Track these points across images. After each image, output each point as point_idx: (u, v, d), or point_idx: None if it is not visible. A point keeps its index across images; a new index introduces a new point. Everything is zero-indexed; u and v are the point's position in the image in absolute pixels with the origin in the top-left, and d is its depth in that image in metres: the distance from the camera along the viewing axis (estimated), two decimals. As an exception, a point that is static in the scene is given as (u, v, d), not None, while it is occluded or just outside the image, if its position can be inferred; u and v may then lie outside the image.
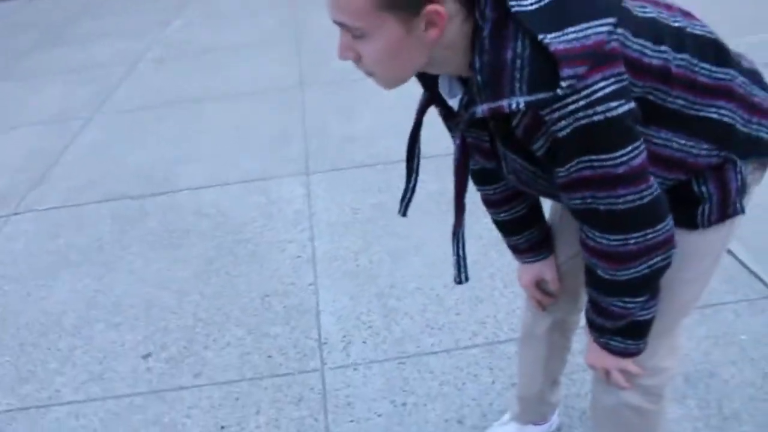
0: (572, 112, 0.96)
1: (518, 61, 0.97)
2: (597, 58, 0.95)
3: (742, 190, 1.17)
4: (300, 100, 4.42)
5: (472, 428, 1.88)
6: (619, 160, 1.01)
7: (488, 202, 1.45)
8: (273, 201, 3.20)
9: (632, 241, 1.08)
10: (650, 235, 1.08)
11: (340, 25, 1.00)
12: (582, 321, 1.40)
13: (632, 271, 1.12)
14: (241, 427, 1.96)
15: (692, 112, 1.08)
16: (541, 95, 0.96)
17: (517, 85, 0.97)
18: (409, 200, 1.38)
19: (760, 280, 2.39)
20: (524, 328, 1.67)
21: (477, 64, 1.00)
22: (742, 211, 1.19)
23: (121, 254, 2.92)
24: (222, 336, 2.35)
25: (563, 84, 0.94)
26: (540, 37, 0.95)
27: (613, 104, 0.97)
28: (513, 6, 0.98)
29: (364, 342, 2.25)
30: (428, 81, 1.20)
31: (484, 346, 2.18)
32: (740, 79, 1.13)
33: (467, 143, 1.18)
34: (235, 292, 2.57)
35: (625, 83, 0.98)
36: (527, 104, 0.97)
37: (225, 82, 4.93)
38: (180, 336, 2.37)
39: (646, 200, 1.05)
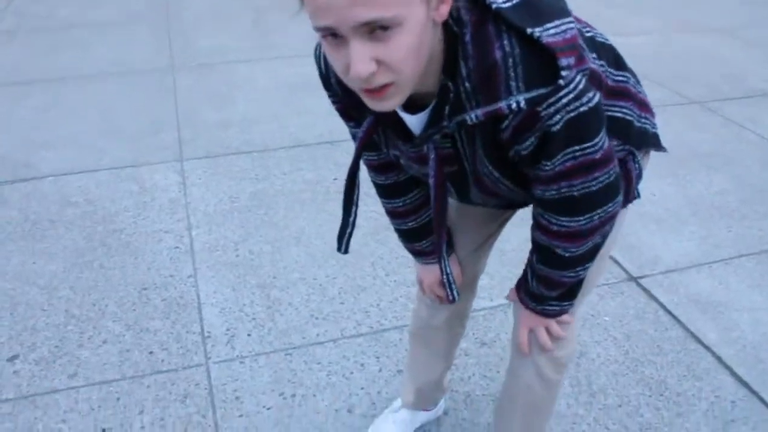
0: (565, 105, 0.97)
1: (510, 60, 0.94)
2: (577, 50, 0.97)
3: (639, 176, 1.29)
4: (171, 83, 4.23)
5: (362, 416, 1.90)
6: (598, 146, 1.05)
7: (395, 214, 1.44)
8: (146, 189, 3.06)
9: (596, 218, 1.14)
10: (610, 208, 1.14)
11: (366, 24, 0.84)
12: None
13: (590, 243, 1.18)
14: (125, 429, 1.87)
15: (605, 112, 1.16)
16: (541, 90, 0.95)
17: (513, 83, 0.95)
18: (350, 235, 1.34)
19: (618, 264, 2.56)
20: (419, 321, 1.68)
21: (463, 71, 0.97)
22: (638, 196, 1.31)
23: (-22, 247, 2.69)
24: (98, 333, 2.23)
25: (563, 74, 0.94)
26: (529, 31, 0.94)
27: (590, 94, 1.00)
28: (492, 3, 0.96)
29: (249, 334, 2.21)
30: (361, 106, 1.14)
31: (369, 334, 2.20)
32: (632, 79, 1.24)
33: (440, 156, 1.15)
34: (110, 286, 2.44)
35: (587, 77, 1.01)
36: (528, 101, 0.96)
37: (89, 62, 4.64)
38: (51, 335, 2.22)
39: (612, 177, 1.11)
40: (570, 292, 1.30)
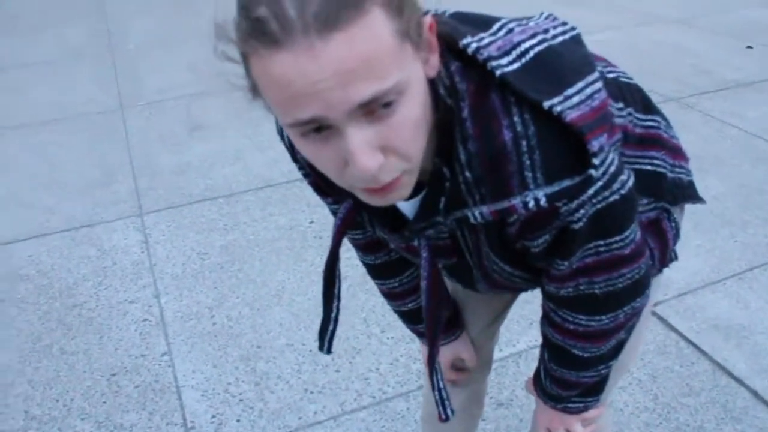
0: (591, 197, 0.75)
1: (523, 143, 0.72)
2: (607, 122, 0.74)
3: (676, 237, 1.07)
4: (121, 126, 3.92)
5: None
6: (628, 240, 0.84)
7: (392, 295, 1.21)
8: (105, 252, 2.76)
9: (622, 315, 0.93)
10: (638, 303, 0.94)
11: (366, 105, 0.63)
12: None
13: (613, 341, 0.97)
14: None
15: (631, 167, 0.94)
16: (567, 182, 0.73)
17: (530, 174, 0.73)
18: (333, 333, 1.10)
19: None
20: (430, 406, 1.45)
21: (462, 157, 0.74)
22: (676, 257, 1.09)
23: None
24: (64, 436, 1.94)
25: (596, 161, 0.72)
26: (547, 104, 0.71)
27: (624, 177, 0.78)
28: (495, 68, 0.72)
29: (238, 420, 1.94)
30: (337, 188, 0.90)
31: (372, 406, 1.96)
32: (663, 123, 1.02)
33: (434, 248, 0.93)
34: (75, 375, 2.15)
35: (618, 150, 0.79)
36: (549, 198, 0.73)
37: (27, 108, 4.29)
38: (10, 443, 1.93)
39: (642, 272, 0.90)
40: (593, 389, 1.08)
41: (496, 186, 0.75)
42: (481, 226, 0.85)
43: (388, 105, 0.64)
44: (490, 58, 0.73)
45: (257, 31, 0.60)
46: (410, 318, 1.24)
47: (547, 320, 1.00)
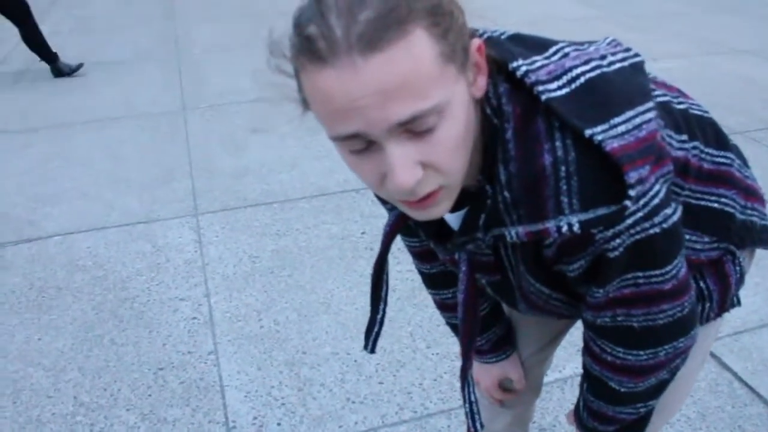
0: (629, 227, 0.75)
1: (562, 168, 0.73)
2: (653, 154, 0.73)
3: (740, 281, 1.03)
4: (182, 127, 4.03)
5: None
6: (669, 275, 0.82)
7: (445, 307, 1.21)
8: (159, 249, 2.83)
9: (662, 353, 0.91)
10: (681, 343, 0.91)
11: (405, 123, 0.65)
12: None
13: (653, 380, 0.95)
14: None
15: (696, 202, 0.92)
16: (602, 211, 0.73)
17: (565, 199, 0.73)
18: (378, 334, 1.11)
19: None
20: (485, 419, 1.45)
21: (502, 176, 0.75)
22: (739, 303, 1.06)
23: (-21, 321, 2.47)
24: (110, 425, 1.99)
25: (632, 193, 0.71)
26: (588, 132, 0.71)
27: (669, 211, 0.77)
28: (541, 92, 0.73)
29: (279, 424, 1.96)
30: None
31: (413, 420, 1.95)
32: (737, 161, 0.99)
33: (476, 264, 0.94)
34: (123, 366, 2.21)
35: (670, 182, 0.78)
36: (583, 224, 0.74)
37: (96, 105, 4.45)
38: (58, 428, 1.98)
39: (686, 311, 0.88)
40: (634, 427, 1.05)
41: (532, 208, 0.76)
42: (519, 245, 0.85)
43: (428, 123, 0.66)
44: (538, 82, 0.74)
45: (307, 48, 0.64)
46: None
47: (586, 349, 0.99)
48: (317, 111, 0.68)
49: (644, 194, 0.74)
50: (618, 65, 0.79)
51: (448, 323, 1.26)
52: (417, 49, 0.63)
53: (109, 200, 3.24)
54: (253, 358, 2.21)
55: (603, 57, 0.79)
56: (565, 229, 0.74)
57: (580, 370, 2.10)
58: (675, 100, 0.94)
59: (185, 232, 2.93)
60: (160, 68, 5.12)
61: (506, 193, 0.76)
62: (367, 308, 2.39)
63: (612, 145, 0.71)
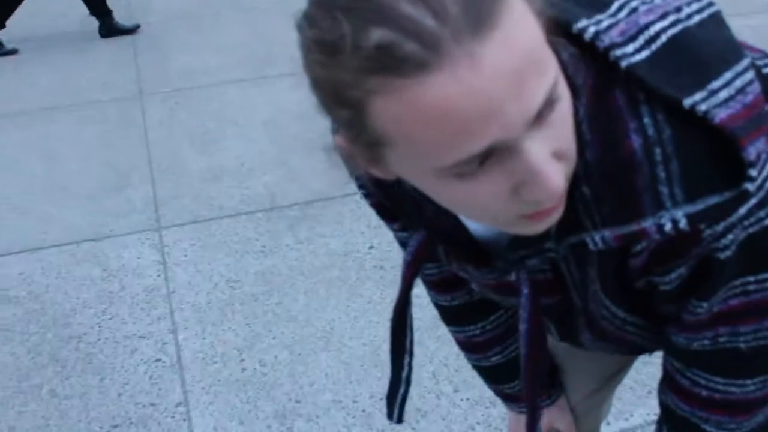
0: (743, 218, 0.76)
1: (657, 151, 0.73)
2: (765, 123, 0.75)
3: None
4: (139, 117, 4.11)
5: None
6: None
7: (472, 346, 1.25)
8: (112, 273, 2.90)
9: None
10: None
11: (541, 108, 0.64)
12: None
13: (760, 417, 0.96)
14: None
15: None
16: (713, 199, 0.73)
17: (665, 189, 0.73)
18: (405, 396, 1.14)
19: None
20: None
21: (579, 168, 0.75)
22: None
23: None
24: (52, 498, 2.04)
25: (753, 173, 0.72)
26: (688, 102, 0.72)
27: None
28: (619, 57, 0.73)
29: (267, 493, 2.01)
30: (412, 215, 0.94)
31: (439, 486, 1.99)
32: None
33: (535, 285, 0.94)
34: (67, 425, 2.26)
35: None
36: (692, 219, 0.74)
37: (26, 93, 4.54)
38: (-14, 503, 2.04)
39: None
40: None
41: (621, 205, 0.76)
42: (594, 257, 0.86)
43: (553, 103, 0.65)
44: (614, 45, 0.74)
45: (383, 62, 0.60)
46: (494, 375, 1.27)
47: (669, 385, 1.00)
48: (419, 140, 0.64)
49: (760, 175, 0.74)
50: (697, 17, 0.79)
51: (475, 367, 1.29)
52: (518, 11, 0.62)
53: (45, 213, 3.32)
54: (234, 410, 2.26)
55: (678, 9, 0.80)
56: (668, 227, 0.74)
57: (654, 417, 2.13)
58: (762, 63, 0.95)
59: (145, 251, 3.00)
60: (108, 43, 5.22)
61: (585, 189, 0.76)
62: (377, 343, 2.45)
63: (720, 115, 0.72)
